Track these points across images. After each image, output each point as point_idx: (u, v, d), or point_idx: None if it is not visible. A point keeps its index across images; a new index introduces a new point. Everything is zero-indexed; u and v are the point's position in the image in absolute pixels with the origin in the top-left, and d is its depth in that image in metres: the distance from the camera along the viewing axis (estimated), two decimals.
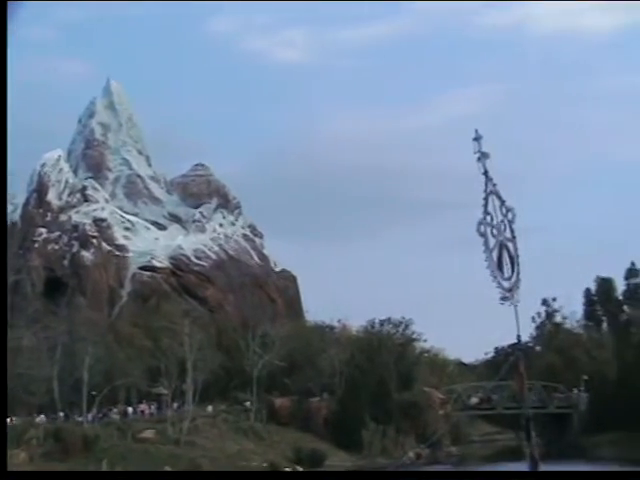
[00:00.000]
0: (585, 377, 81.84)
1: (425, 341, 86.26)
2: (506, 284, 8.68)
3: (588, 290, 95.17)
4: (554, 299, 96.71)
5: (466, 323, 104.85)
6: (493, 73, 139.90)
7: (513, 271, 8.69)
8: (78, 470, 55.02)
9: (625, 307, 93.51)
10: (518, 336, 9.08)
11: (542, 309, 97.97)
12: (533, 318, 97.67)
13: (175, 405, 72.26)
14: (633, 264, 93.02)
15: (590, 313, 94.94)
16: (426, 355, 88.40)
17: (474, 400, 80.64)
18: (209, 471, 48.94)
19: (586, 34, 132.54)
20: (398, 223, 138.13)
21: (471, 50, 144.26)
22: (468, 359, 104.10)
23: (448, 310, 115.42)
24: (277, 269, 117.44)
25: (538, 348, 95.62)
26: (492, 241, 8.57)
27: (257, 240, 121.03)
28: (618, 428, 72.04)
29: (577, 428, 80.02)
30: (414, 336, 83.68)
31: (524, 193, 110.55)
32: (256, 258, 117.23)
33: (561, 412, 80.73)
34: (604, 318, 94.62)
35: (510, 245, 8.67)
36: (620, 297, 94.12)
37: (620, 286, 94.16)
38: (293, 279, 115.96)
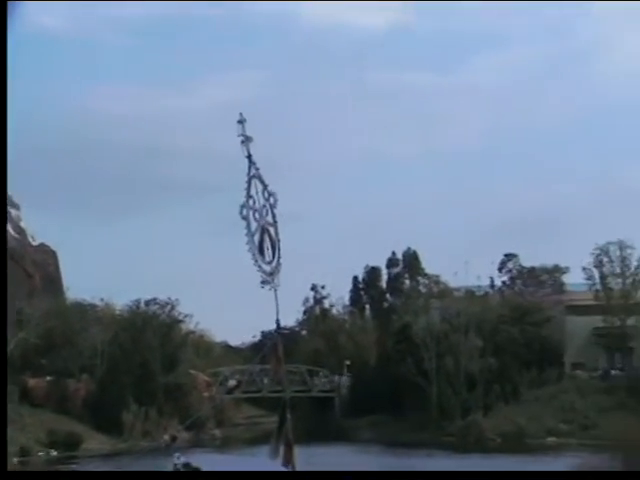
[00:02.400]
0: (348, 362, 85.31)
1: (189, 322, 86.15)
2: (267, 268, 8.87)
3: (355, 278, 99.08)
4: (323, 286, 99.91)
5: (233, 306, 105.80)
6: (261, 60, 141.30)
7: (274, 255, 8.90)
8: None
9: (387, 295, 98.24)
10: (277, 320, 9.33)
11: (311, 294, 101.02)
12: (303, 303, 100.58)
13: None
14: (394, 254, 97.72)
15: (356, 300, 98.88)
16: (192, 337, 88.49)
17: (231, 383, 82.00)
18: (209, 471, 46.16)
19: (356, 30, 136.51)
20: (163, 203, 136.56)
21: (240, 35, 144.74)
22: (235, 342, 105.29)
23: (215, 292, 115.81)
24: (35, 243, 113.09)
25: (305, 333, 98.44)
26: (254, 225, 8.74)
27: (13, 211, 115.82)
28: (378, 411, 75.71)
29: (339, 411, 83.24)
30: (180, 317, 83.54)
31: (295, 179, 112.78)
32: (11, 230, 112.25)
33: (324, 395, 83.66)
34: (368, 305, 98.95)
35: (272, 229, 8.88)
36: (384, 285, 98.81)
37: (384, 275, 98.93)
38: (53, 254, 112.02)
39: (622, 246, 77.42)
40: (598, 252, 78.00)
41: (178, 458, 17.94)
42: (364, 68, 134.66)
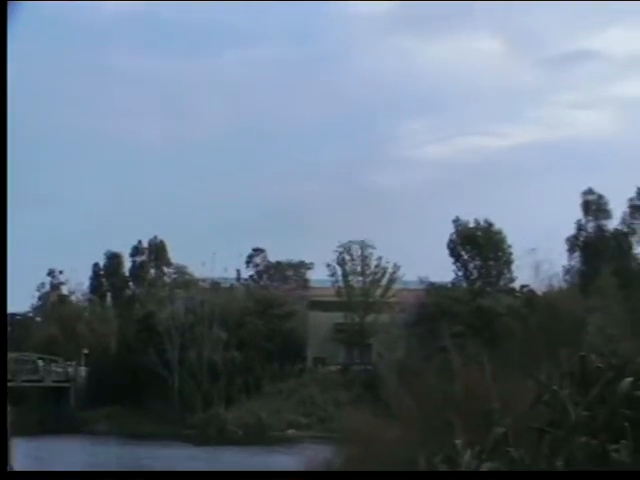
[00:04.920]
0: (85, 351, 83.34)
1: None
2: None
3: (96, 264, 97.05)
4: (61, 271, 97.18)
5: None
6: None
7: None
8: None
9: (130, 283, 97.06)
10: None
11: (47, 280, 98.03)
12: (38, 288, 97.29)
13: None
14: (140, 242, 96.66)
15: (96, 287, 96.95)
16: None
17: None
18: (209, 471, 41.60)
19: (102, 12, 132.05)
20: None
21: None
22: None
23: None
24: None
25: (40, 319, 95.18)
26: None
27: None
28: (116, 402, 74.62)
29: (75, 402, 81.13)
30: None
31: (36, 161, 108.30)
32: None
33: (58, 385, 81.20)
34: (109, 293, 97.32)
35: None
36: (127, 273, 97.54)
37: (128, 263, 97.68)
38: None
39: (363, 245, 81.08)
40: (341, 250, 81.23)
41: None
42: (108, 51, 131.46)
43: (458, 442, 16.03)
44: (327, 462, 27.72)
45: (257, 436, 67.02)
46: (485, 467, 14.72)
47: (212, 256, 79.75)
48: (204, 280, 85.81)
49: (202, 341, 75.95)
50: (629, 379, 13.64)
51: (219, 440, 65.38)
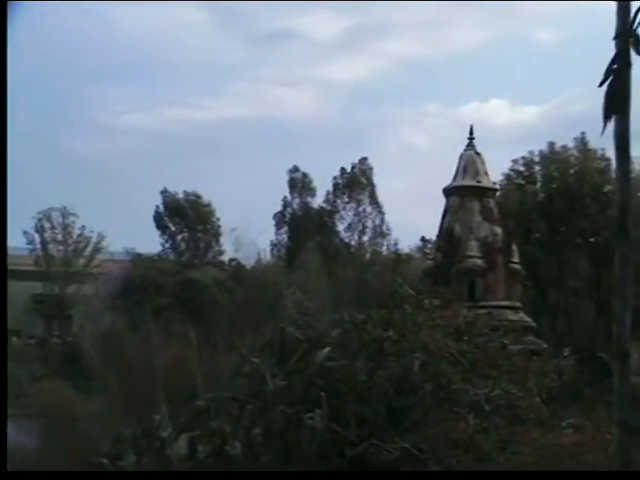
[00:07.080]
0: None
1: None
2: None
3: None
4: None
5: None
6: None
7: None
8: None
9: None
10: None
11: None
12: None
13: None
14: None
15: None
16: None
17: None
18: (210, 471, 31.92)
19: None
20: None
21: None
22: None
23: None
24: None
25: None
26: None
27: None
28: None
29: None
30: None
31: None
32: None
33: None
34: None
35: None
36: None
37: None
38: None
39: (65, 213, 78.92)
40: (40, 217, 78.63)
41: None
42: None
43: (157, 417, 16.33)
44: (19, 440, 27.12)
45: None
46: (183, 437, 15.15)
47: None
48: None
49: None
50: (324, 350, 14.59)
51: None
